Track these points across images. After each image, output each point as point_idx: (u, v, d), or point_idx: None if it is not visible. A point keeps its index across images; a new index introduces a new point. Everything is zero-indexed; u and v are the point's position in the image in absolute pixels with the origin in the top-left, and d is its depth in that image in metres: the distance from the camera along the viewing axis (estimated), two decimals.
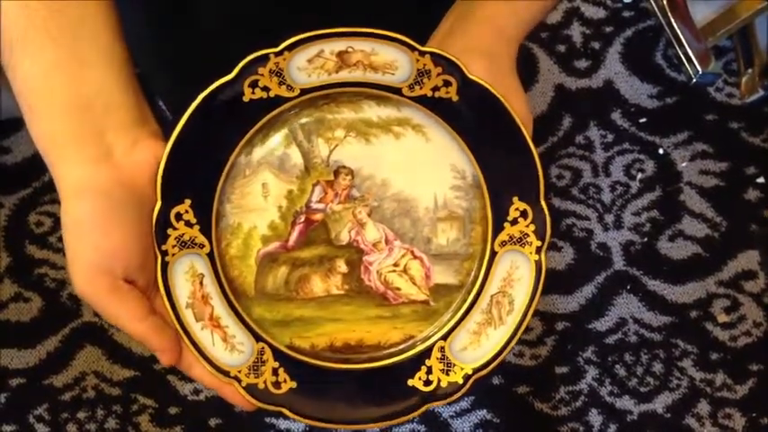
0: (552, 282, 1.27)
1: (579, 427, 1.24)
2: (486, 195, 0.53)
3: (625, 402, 1.23)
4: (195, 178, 0.51)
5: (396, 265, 0.53)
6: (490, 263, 0.53)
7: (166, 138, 0.50)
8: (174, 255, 0.50)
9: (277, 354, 0.53)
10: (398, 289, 0.54)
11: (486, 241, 0.53)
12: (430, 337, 0.54)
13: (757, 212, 1.30)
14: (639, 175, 1.32)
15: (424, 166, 0.53)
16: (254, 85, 0.50)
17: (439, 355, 0.53)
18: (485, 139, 0.52)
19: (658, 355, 1.24)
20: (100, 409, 1.23)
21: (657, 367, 1.24)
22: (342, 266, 0.53)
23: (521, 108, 0.52)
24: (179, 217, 0.51)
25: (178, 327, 0.51)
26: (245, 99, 0.50)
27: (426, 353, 0.53)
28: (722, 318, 1.28)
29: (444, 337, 0.53)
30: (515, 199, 0.53)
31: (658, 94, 1.35)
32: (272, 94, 0.50)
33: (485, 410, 1.19)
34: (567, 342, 1.27)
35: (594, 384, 1.24)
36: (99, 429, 1.22)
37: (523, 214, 0.53)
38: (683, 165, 1.32)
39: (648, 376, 1.24)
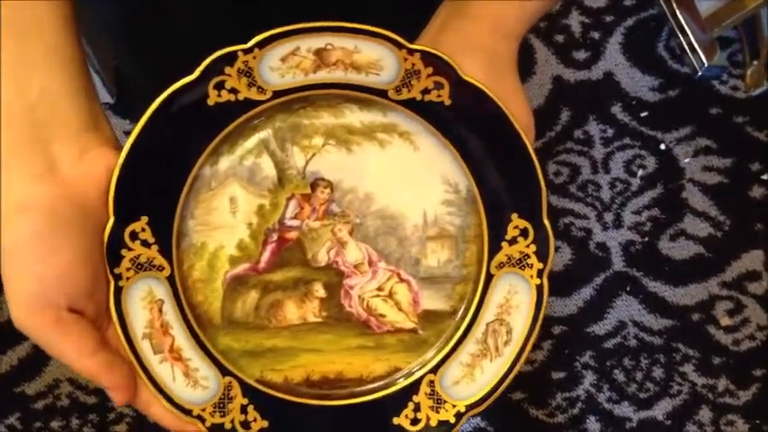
0: (549, 283, 1.27)
1: None
2: (482, 211, 0.50)
3: (624, 409, 1.24)
4: (153, 192, 0.48)
5: (380, 289, 0.51)
6: (486, 287, 0.51)
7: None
8: (128, 279, 0.48)
9: (246, 389, 0.50)
10: (383, 316, 0.51)
11: (481, 263, 0.51)
12: (418, 370, 0.51)
13: (762, 211, 1.31)
14: (640, 172, 1.32)
15: (413, 179, 0.50)
16: (220, 86, 0.47)
17: (428, 390, 0.51)
18: (480, 148, 0.49)
19: (659, 359, 1.25)
20: (75, 418, 1.23)
21: (658, 372, 1.24)
22: (319, 291, 0.51)
23: (521, 113, 0.49)
24: (134, 236, 0.48)
25: (134, 360, 0.48)
26: (210, 102, 0.47)
27: (414, 387, 0.51)
28: (725, 321, 1.27)
29: (434, 370, 0.51)
30: (515, 216, 0.50)
31: (660, 86, 1.35)
32: (240, 96, 0.47)
33: (478, 418, 1.20)
34: (563, 346, 1.28)
35: (592, 390, 1.24)
36: None
37: (523, 233, 0.50)
38: (686, 161, 1.32)
39: (648, 382, 1.24)
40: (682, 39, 1.25)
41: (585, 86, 1.35)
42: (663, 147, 1.33)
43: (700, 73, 1.22)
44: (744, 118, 1.34)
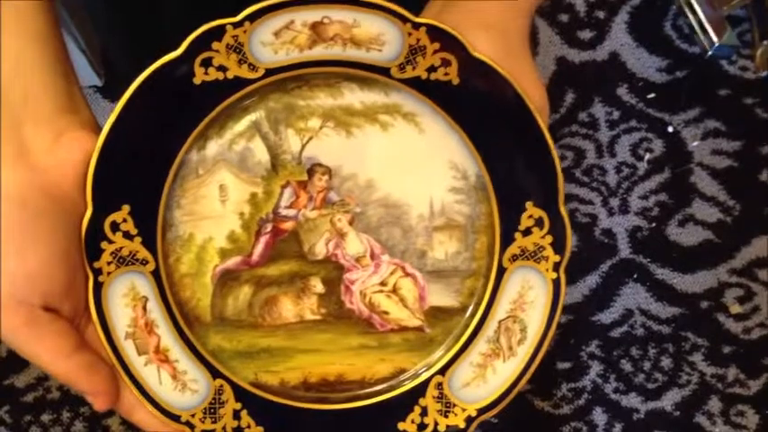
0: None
1: (582, 426, 1.23)
2: (493, 199, 0.48)
3: (631, 400, 1.23)
4: (135, 179, 0.46)
5: (383, 284, 0.49)
6: (498, 281, 0.49)
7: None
8: (109, 274, 0.46)
9: (239, 393, 0.48)
10: (386, 313, 0.50)
11: (492, 255, 0.49)
12: (425, 372, 0.50)
13: None
14: (647, 156, 1.31)
15: (418, 164, 0.48)
16: (207, 63, 0.45)
17: (436, 392, 0.49)
18: (491, 130, 0.47)
19: (667, 348, 1.24)
20: (66, 411, 1.22)
21: (666, 362, 1.24)
22: (317, 286, 0.49)
23: (535, 93, 0.47)
24: (115, 227, 0.46)
25: (116, 362, 0.46)
26: (197, 81, 0.45)
27: (420, 390, 0.49)
28: (735, 308, 1.27)
29: (442, 372, 0.49)
30: (529, 204, 0.48)
31: (668, 67, 1.34)
32: (229, 75, 0.45)
33: None
34: (569, 336, 1.27)
35: (599, 381, 1.23)
36: None
37: (538, 223, 0.48)
38: (694, 144, 1.31)
39: (656, 372, 1.24)
40: (690, 17, 1.24)
41: (590, 67, 1.33)
42: (670, 129, 1.31)
43: (710, 52, 1.22)
44: (754, 99, 1.32)
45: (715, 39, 1.21)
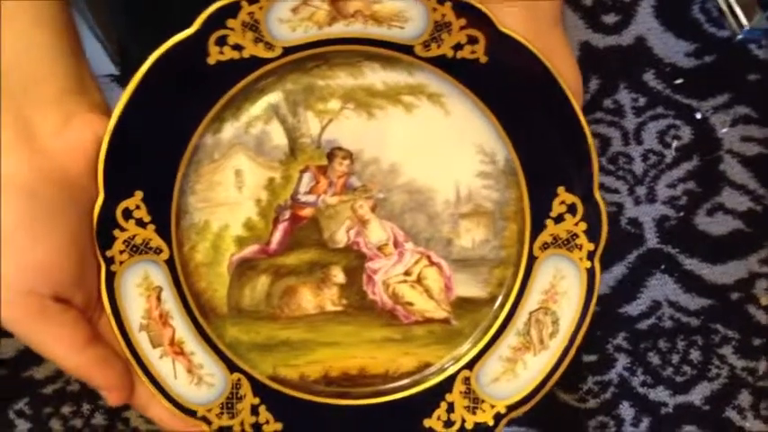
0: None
1: (609, 420, 1.22)
2: (523, 184, 0.47)
3: (659, 393, 1.22)
4: (148, 164, 0.45)
5: (407, 273, 0.49)
6: (528, 271, 0.48)
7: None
8: (122, 263, 0.45)
9: (257, 387, 0.48)
10: (411, 304, 0.49)
11: (522, 243, 0.48)
12: (451, 366, 0.49)
13: None
14: (675, 143, 1.29)
15: (443, 148, 0.47)
16: (221, 42, 0.44)
17: (463, 388, 0.48)
18: (521, 111, 0.46)
19: (696, 341, 1.23)
20: (86, 403, 1.20)
21: (695, 355, 1.22)
22: (338, 276, 0.48)
23: (569, 72, 0.46)
24: (128, 214, 0.45)
25: (129, 355, 0.45)
26: (211, 61, 0.44)
27: (447, 385, 0.48)
28: (765, 300, 1.25)
29: (469, 366, 0.48)
30: (561, 189, 0.47)
31: (696, 51, 1.31)
32: (245, 54, 0.44)
33: None
34: (595, 328, 1.24)
35: (625, 374, 1.22)
36: (85, 425, 1.19)
37: (571, 209, 0.47)
38: (724, 131, 1.29)
39: (685, 365, 1.22)
40: None
41: (615, 52, 1.31)
42: (699, 116, 1.29)
43: (740, 36, 1.20)
44: None
45: (745, 22, 1.19)
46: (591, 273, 0.47)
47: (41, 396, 1.20)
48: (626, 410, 1.20)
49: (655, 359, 1.22)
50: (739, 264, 1.25)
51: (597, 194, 0.46)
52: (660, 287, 1.24)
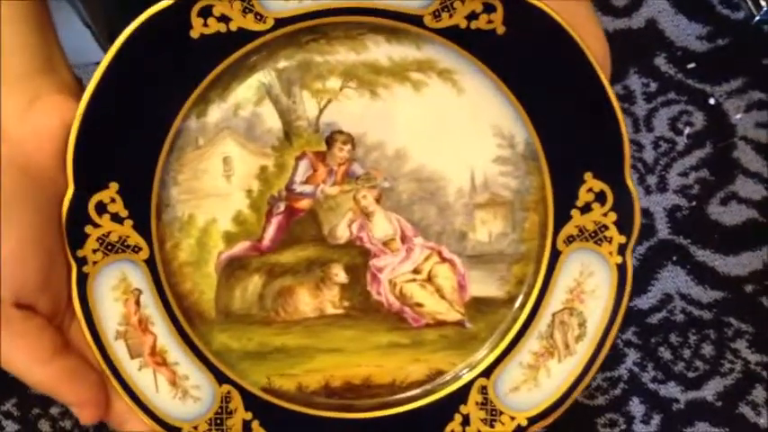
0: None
1: (618, 418, 1.21)
2: (546, 171, 0.45)
3: (670, 389, 1.21)
4: (124, 152, 0.44)
5: (416, 271, 0.47)
6: (551, 267, 0.46)
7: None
8: (95, 263, 0.44)
9: (249, 400, 0.46)
10: (420, 305, 0.47)
11: (545, 236, 0.46)
12: (466, 374, 0.47)
13: None
14: (687, 130, 1.28)
15: (456, 130, 0.46)
16: (206, 12, 0.42)
17: (479, 398, 0.47)
18: (544, 89, 0.44)
19: (708, 335, 1.22)
20: None
21: (707, 349, 1.21)
22: (339, 275, 0.47)
23: (596, 44, 0.44)
24: (102, 208, 0.43)
25: (104, 366, 0.44)
26: (194, 34, 0.42)
27: (461, 395, 0.47)
28: None
29: (486, 374, 0.47)
30: (588, 176, 0.45)
31: (709, 34, 1.31)
32: (233, 26, 0.43)
33: None
34: None
35: (636, 369, 1.21)
36: (75, 426, 1.19)
37: (600, 197, 0.45)
38: (738, 117, 1.28)
39: (697, 360, 1.21)
40: None
41: (626, 36, 1.31)
42: (712, 101, 1.29)
43: (757, 17, 1.20)
44: None
45: (763, 2, 1.20)
46: (622, 269, 0.46)
47: (30, 397, 1.19)
48: (636, 407, 1.20)
49: (666, 354, 1.21)
50: (753, 255, 1.24)
51: (629, 181, 0.44)
52: (671, 279, 1.23)
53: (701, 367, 1.22)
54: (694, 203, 1.27)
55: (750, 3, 1.19)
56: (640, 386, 1.21)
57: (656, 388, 1.21)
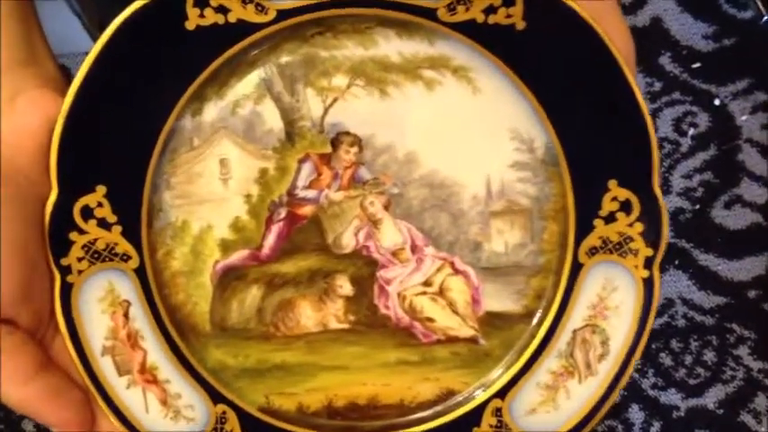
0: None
1: (617, 425, 1.21)
2: (567, 177, 0.44)
3: (671, 396, 1.21)
4: (113, 153, 0.42)
5: (427, 283, 0.46)
6: (572, 281, 0.45)
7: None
8: (81, 272, 0.42)
9: (246, 421, 0.45)
10: (431, 320, 0.46)
11: (565, 248, 0.45)
12: (480, 394, 0.46)
13: None
14: (691, 131, 1.28)
15: (471, 133, 0.44)
16: (203, 3, 0.41)
17: (493, 421, 0.45)
18: (565, 89, 0.43)
19: (710, 341, 1.21)
20: None
21: (709, 356, 1.21)
22: (344, 287, 0.46)
23: (621, 40, 0.43)
24: (88, 213, 0.42)
25: (90, 384, 0.42)
26: (190, 26, 0.41)
27: (474, 417, 0.45)
28: None
29: (501, 394, 0.45)
30: (613, 183, 0.43)
31: (715, 34, 1.30)
32: (232, 18, 0.41)
33: None
34: None
35: (635, 375, 1.21)
36: None
37: (625, 207, 0.43)
38: (743, 118, 1.28)
39: (698, 366, 1.21)
40: None
41: (630, 34, 1.32)
42: (717, 102, 1.29)
43: (766, 17, 1.21)
44: None
45: None
46: (648, 284, 0.44)
47: None
48: (635, 414, 1.20)
49: (667, 360, 1.21)
50: (757, 260, 1.24)
51: (657, 189, 0.43)
52: (673, 284, 1.23)
53: (703, 374, 1.21)
54: (698, 206, 1.26)
55: (759, 2, 1.19)
56: (640, 393, 1.21)
57: (656, 395, 1.21)
